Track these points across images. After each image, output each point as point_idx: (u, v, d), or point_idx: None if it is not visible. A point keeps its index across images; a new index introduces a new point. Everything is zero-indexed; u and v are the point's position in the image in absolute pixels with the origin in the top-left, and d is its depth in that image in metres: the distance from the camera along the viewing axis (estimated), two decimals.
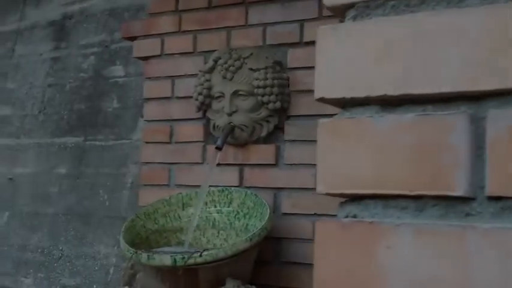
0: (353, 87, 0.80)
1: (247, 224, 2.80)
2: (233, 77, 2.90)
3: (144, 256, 2.51)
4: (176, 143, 3.11)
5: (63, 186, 6.16)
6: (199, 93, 2.97)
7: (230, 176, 2.94)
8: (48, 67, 6.55)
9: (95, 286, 5.88)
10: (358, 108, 0.82)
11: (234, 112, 2.88)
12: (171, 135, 3.13)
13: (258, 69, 2.86)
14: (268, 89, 2.83)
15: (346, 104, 0.83)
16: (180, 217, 2.90)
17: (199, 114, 3.05)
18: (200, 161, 3.04)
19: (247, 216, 2.81)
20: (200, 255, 2.45)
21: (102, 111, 6.21)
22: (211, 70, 2.96)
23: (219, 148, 2.80)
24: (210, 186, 2.88)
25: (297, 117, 2.86)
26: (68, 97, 6.37)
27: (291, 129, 2.86)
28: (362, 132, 0.80)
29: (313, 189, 2.76)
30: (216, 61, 2.95)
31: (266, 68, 2.85)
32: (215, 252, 2.46)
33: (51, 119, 6.40)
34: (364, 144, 0.79)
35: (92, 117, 6.23)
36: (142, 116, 6.14)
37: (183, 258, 2.44)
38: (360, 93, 0.80)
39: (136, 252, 2.53)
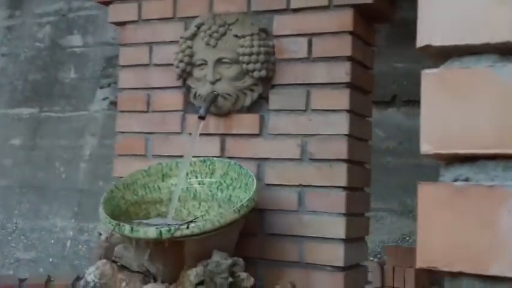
0: (467, 33, 0.71)
1: (230, 195, 2.70)
2: (217, 43, 2.79)
3: (127, 228, 2.40)
4: (154, 112, 2.99)
5: (17, 158, 5.98)
6: (180, 61, 2.85)
7: (211, 146, 2.84)
8: (1, 36, 6.33)
9: (50, 260, 5.74)
10: (471, 57, 0.73)
11: (217, 80, 2.78)
12: (148, 104, 3.01)
13: (243, 36, 2.75)
14: (254, 57, 2.73)
15: (455, 52, 0.74)
16: (159, 188, 2.79)
17: (179, 83, 2.93)
18: (179, 131, 2.93)
19: (230, 188, 2.72)
20: (187, 227, 2.35)
21: (58, 81, 6.03)
22: (193, 36, 2.84)
23: (202, 117, 2.69)
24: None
25: (282, 86, 2.76)
26: (23, 67, 6.17)
27: (276, 99, 2.77)
28: (479, 83, 0.71)
29: (299, 160, 2.69)
30: (198, 27, 2.84)
31: (252, 35, 2.75)
32: (202, 224, 2.37)
33: (5, 89, 6.20)
34: (482, 98, 0.70)
35: (48, 87, 6.05)
36: (101, 87, 5.99)
37: (169, 230, 2.34)
38: (477, 40, 0.71)
39: (119, 225, 2.42)
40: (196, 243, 2.41)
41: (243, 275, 2.44)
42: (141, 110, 3.01)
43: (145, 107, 3.00)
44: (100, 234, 2.92)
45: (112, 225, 2.44)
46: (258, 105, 2.80)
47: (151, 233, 2.36)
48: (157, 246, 2.42)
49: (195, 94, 2.86)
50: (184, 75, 2.86)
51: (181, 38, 2.86)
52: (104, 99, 5.91)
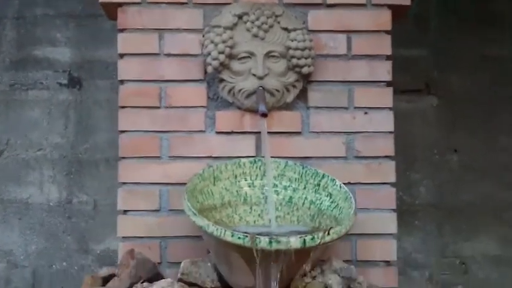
0: None
1: (290, 197, 2.57)
2: (265, 36, 2.61)
3: (264, 240, 2.15)
4: (169, 107, 2.65)
5: None
6: (221, 52, 2.58)
7: (244, 146, 2.65)
8: None
9: None
10: None
11: (266, 75, 2.60)
12: (160, 99, 2.66)
13: (294, 30, 2.62)
14: (306, 52, 2.62)
15: None
16: (212, 193, 2.52)
17: (200, 76, 2.66)
18: (203, 129, 2.66)
19: (289, 189, 2.58)
20: (328, 234, 2.22)
21: None
22: (233, 26, 2.61)
23: (265, 115, 2.51)
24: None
25: (321, 82, 2.70)
26: None
27: (316, 95, 2.69)
28: None
29: (344, 157, 2.69)
30: (240, 17, 2.61)
31: (302, 29, 2.64)
32: (339, 229, 2.24)
33: None
34: None
35: None
36: None
37: (313, 238, 2.18)
38: None
39: (252, 238, 2.16)
40: (321, 250, 2.29)
41: (360, 278, 2.39)
42: (152, 106, 2.65)
43: (158, 102, 2.65)
44: None
45: (239, 237, 2.17)
46: (294, 102, 2.69)
47: (294, 243, 2.16)
48: (284, 257, 2.22)
49: (230, 89, 2.62)
50: (220, 68, 2.61)
51: (218, 26, 2.60)
52: None
